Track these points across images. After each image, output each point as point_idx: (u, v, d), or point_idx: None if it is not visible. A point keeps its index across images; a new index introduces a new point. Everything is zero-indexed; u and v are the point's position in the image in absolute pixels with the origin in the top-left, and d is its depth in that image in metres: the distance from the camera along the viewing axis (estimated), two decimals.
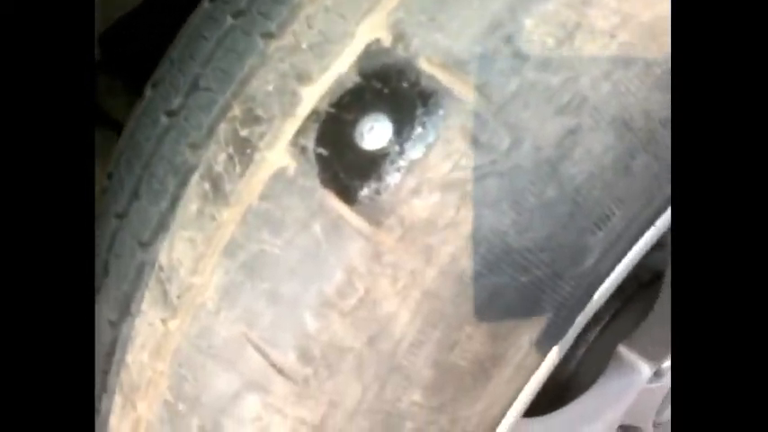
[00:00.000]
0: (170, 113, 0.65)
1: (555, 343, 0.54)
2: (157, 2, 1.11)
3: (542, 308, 0.51)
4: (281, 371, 0.49)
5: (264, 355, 0.50)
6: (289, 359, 0.49)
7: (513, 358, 0.51)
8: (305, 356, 0.49)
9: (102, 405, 0.65)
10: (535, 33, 0.48)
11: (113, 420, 0.62)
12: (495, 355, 0.51)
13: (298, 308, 0.49)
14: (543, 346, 0.53)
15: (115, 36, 1.16)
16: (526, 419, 0.74)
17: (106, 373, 0.65)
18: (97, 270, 0.69)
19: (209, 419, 0.52)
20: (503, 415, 0.55)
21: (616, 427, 0.83)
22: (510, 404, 0.54)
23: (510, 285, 0.49)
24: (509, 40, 0.48)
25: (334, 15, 0.55)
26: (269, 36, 0.59)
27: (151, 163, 0.65)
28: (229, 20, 0.65)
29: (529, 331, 0.51)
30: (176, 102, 0.65)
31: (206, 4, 0.71)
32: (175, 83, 0.67)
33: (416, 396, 0.50)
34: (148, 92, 0.72)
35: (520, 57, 0.47)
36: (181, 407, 0.54)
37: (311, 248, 0.49)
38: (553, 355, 0.54)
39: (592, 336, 0.90)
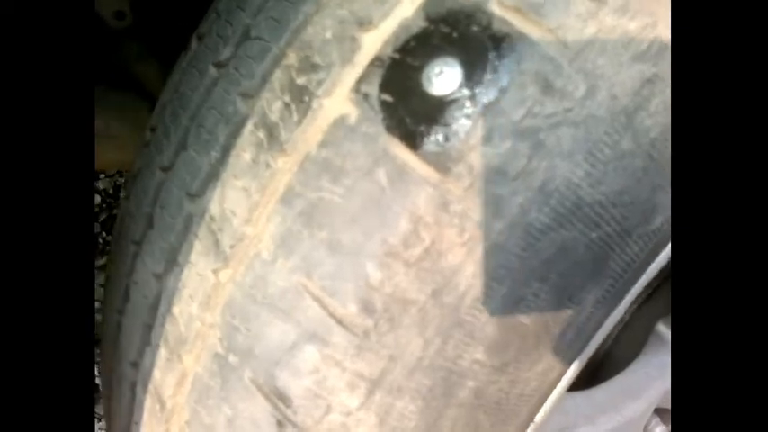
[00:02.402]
0: (219, 64, 0.62)
1: (616, 305, 0.51)
2: None
3: (609, 267, 0.48)
4: (340, 322, 0.47)
5: (324, 306, 0.47)
6: (349, 310, 0.46)
7: (576, 318, 0.49)
8: (366, 308, 0.46)
9: (144, 359, 0.63)
10: None
11: (157, 373, 0.60)
12: (559, 315, 0.48)
13: (360, 257, 0.46)
14: (604, 307, 0.50)
15: (145, 2, 1.13)
16: (569, 393, 0.71)
17: (150, 326, 0.62)
18: (141, 222, 0.67)
19: (263, 371, 0.50)
20: (558, 380, 0.52)
21: (655, 405, 0.80)
22: (567, 369, 0.52)
23: (579, 241, 0.46)
24: None
25: None
26: None
27: (199, 114, 0.62)
28: None
29: (594, 291, 0.48)
30: (225, 52, 0.62)
31: None
32: (224, 34, 0.64)
33: (479, 354, 0.47)
34: (194, 44, 0.69)
35: (597, 0, 0.44)
36: (232, 359, 0.52)
37: (374, 196, 0.46)
38: (613, 318, 0.52)
39: (627, 314, 0.87)
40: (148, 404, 0.61)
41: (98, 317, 1.90)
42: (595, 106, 0.44)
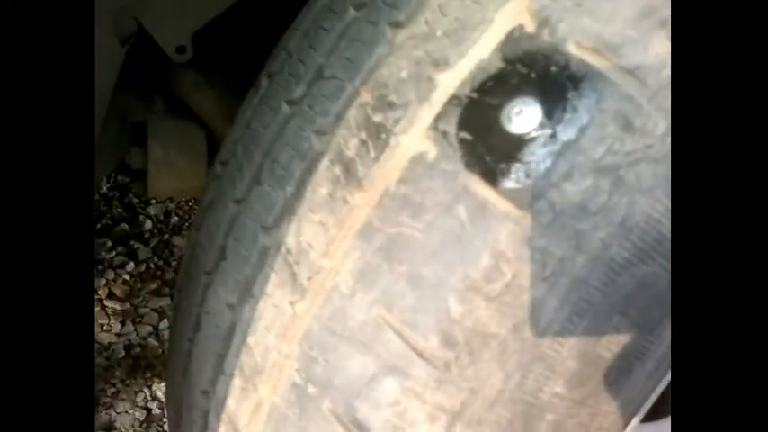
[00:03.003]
0: (292, 102, 0.65)
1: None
2: (246, 6, 1.11)
3: None
4: (421, 355, 0.47)
5: (405, 339, 0.48)
6: (430, 343, 0.47)
7: (655, 352, 0.49)
8: (447, 341, 0.47)
9: (217, 388, 0.64)
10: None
11: (231, 402, 0.61)
12: (639, 348, 0.48)
13: (441, 291, 0.47)
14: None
15: (207, 36, 1.17)
16: (640, 424, 0.70)
17: (223, 356, 0.64)
18: (214, 254, 0.68)
19: (342, 402, 0.51)
20: (636, 412, 0.52)
21: None
22: (645, 401, 0.52)
23: (659, 276, 0.46)
24: (663, 24, 0.45)
25: (470, 2, 0.53)
26: (397, 25, 0.57)
27: (273, 150, 0.64)
28: (352, 12, 0.64)
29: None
30: (298, 91, 0.64)
31: None
32: (296, 72, 0.66)
33: (559, 387, 0.47)
34: (264, 81, 0.72)
35: None
36: (311, 389, 0.53)
37: (455, 231, 0.47)
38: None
39: None
40: None
41: (152, 341, 1.92)
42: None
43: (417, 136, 0.51)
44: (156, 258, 2.08)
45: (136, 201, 2.20)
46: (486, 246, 0.46)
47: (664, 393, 0.82)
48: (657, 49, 0.45)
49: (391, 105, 0.53)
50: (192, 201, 2.29)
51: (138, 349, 1.84)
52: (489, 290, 0.46)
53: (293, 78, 0.66)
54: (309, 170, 0.57)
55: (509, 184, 0.46)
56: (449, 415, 0.48)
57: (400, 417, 0.48)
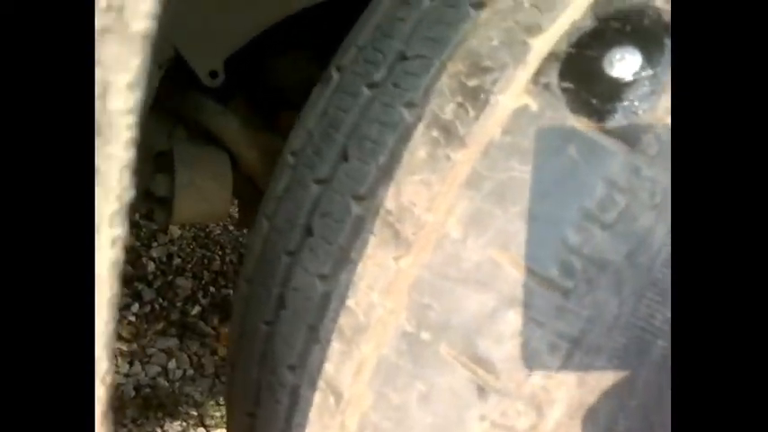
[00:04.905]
0: (372, 85, 0.69)
1: None
2: (276, 33, 1.17)
3: None
4: (541, 285, 0.51)
5: (523, 272, 0.51)
6: (550, 273, 0.51)
7: None
8: (566, 270, 0.50)
9: (309, 359, 0.66)
10: None
11: (329, 368, 0.63)
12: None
13: (558, 224, 0.51)
14: None
15: (237, 63, 1.22)
16: None
17: (315, 326, 0.66)
18: (297, 233, 0.71)
19: (461, 342, 0.53)
20: None
21: None
22: None
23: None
24: None
25: None
26: (480, 5, 0.63)
27: (358, 129, 0.68)
28: (427, 1, 0.70)
29: None
30: (379, 75, 0.69)
31: None
32: (373, 59, 0.71)
33: (669, 313, 0.51)
34: (335, 74, 0.77)
35: None
36: (425, 335, 0.55)
37: (567, 169, 0.51)
38: None
39: None
40: (318, 401, 0.64)
41: (161, 381, 1.88)
42: None
43: (517, 92, 0.55)
44: (160, 299, 2.07)
45: (137, 244, 2.20)
46: (599, 178, 0.50)
47: None
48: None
49: (486, 69, 0.58)
50: (194, 243, 2.30)
51: (147, 389, 1.81)
52: (604, 218, 0.50)
53: (371, 65, 0.71)
54: (404, 138, 0.62)
55: (617, 122, 0.50)
56: (569, 342, 0.51)
57: (522, 347, 0.51)
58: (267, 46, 1.22)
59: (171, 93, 1.21)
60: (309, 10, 1.10)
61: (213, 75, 1.18)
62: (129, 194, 0.37)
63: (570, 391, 0.51)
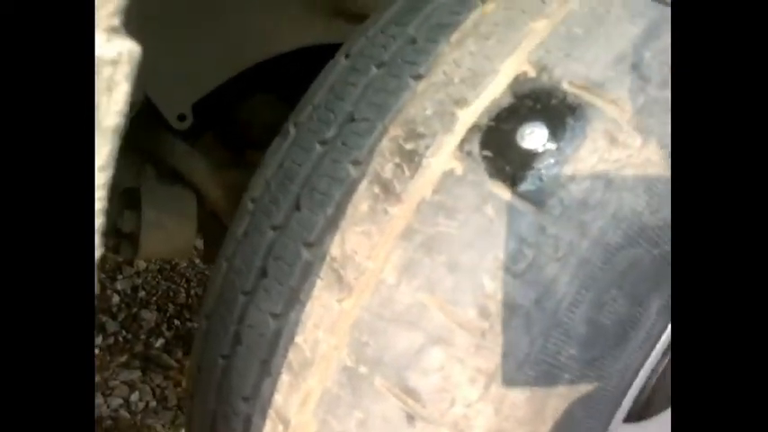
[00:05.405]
0: (324, 142, 0.77)
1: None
2: (243, 79, 1.24)
3: (667, 279, 0.61)
4: (461, 326, 0.58)
5: (447, 314, 0.59)
6: (469, 315, 0.59)
7: (645, 323, 0.61)
8: (483, 313, 0.58)
9: (262, 390, 0.72)
10: (654, 62, 0.61)
11: (278, 398, 0.70)
12: (632, 318, 0.60)
13: (476, 272, 0.59)
14: (666, 315, 0.63)
15: (205, 106, 1.29)
16: (624, 424, 0.82)
17: (267, 360, 0.73)
18: (252, 275, 0.78)
19: (394, 375, 0.61)
20: (633, 380, 0.64)
21: None
22: (638, 371, 0.64)
23: (645, 257, 0.59)
24: (634, 67, 0.61)
25: (480, 57, 0.68)
26: (419, 77, 0.72)
27: (310, 181, 0.76)
28: (374, 69, 0.78)
29: (658, 299, 0.61)
30: (330, 133, 0.77)
31: (343, 61, 0.84)
32: (326, 119, 0.80)
33: (573, 350, 0.59)
34: (292, 129, 0.85)
35: (643, 78, 0.61)
36: (362, 369, 0.62)
37: (485, 226, 0.59)
38: (668, 330, 0.64)
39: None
40: (268, 428, 0.70)
41: (123, 413, 1.90)
42: (650, 153, 0.59)
43: (446, 157, 0.64)
44: (124, 332, 2.09)
45: (102, 276, 2.23)
46: (511, 234, 0.58)
47: (647, 394, 0.94)
48: (630, 85, 0.60)
49: (420, 135, 0.67)
50: (159, 276, 2.33)
51: (109, 422, 1.83)
52: (515, 269, 0.58)
53: (323, 124, 0.79)
54: (349, 192, 0.70)
55: (526, 187, 0.59)
56: (485, 376, 0.58)
57: (445, 380, 0.59)
58: (235, 90, 1.29)
59: (141, 132, 1.26)
60: (276, 58, 1.18)
61: (181, 118, 1.24)
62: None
63: (488, 419, 0.59)
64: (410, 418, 0.60)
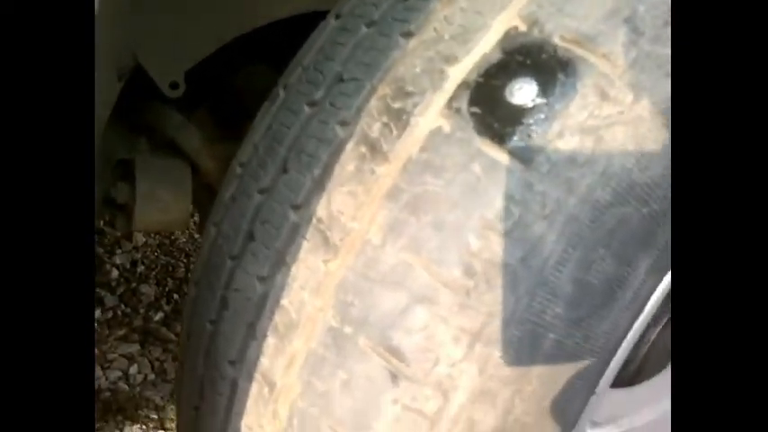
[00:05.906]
0: (312, 104, 0.76)
1: (663, 275, 0.63)
2: (236, 47, 1.22)
3: (656, 239, 0.60)
4: (446, 285, 0.58)
5: (431, 273, 0.58)
6: (454, 274, 0.58)
7: (632, 283, 0.60)
8: (468, 271, 0.57)
9: (248, 353, 0.72)
10: (647, 16, 0.59)
11: (264, 361, 0.69)
12: (620, 278, 0.59)
13: (462, 231, 0.58)
14: (654, 276, 0.62)
15: (199, 75, 1.27)
16: (614, 389, 0.81)
17: (254, 323, 0.72)
18: (240, 238, 0.77)
19: (378, 334, 0.60)
20: (621, 341, 0.63)
21: None
22: (626, 333, 0.63)
23: (633, 215, 0.58)
24: (627, 20, 0.59)
25: (471, 13, 0.67)
26: (409, 35, 0.70)
27: (297, 143, 0.74)
28: (364, 28, 0.77)
29: (646, 259, 0.60)
30: (318, 94, 0.76)
31: (333, 22, 0.83)
32: (314, 80, 0.78)
33: (559, 309, 0.58)
34: (281, 92, 0.83)
35: (636, 32, 0.59)
36: (347, 329, 0.62)
37: (472, 183, 0.58)
38: (661, 288, 0.63)
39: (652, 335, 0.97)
40: (254, 391, 0.70)
41: (122, 385, 1.91)
42: (641, 110, 0.58)
43: (434, 115, 0.63)
44: (123, 306, 2.10)
45: (101, 251, 2.24)
46: (499, 192, 0.57)
47: (637, 361, 0.93)
48: (623, 39, 0.59)
49: (409, 94, 0.66)
50: (158, 250, 2.33)
51: (107, 393, 1.84)
52: (502, 227, 0.57)
53: (312, 85, 0.78)
54: (336, 152, 0.68)
55: (514, 143, 0.58)
56: (469, 335, 0.57)
57: (429, 339, 0.58)
58: (229, 58, 1.27)
59: (135, 104, 1.25)
60: (270, 26, 1.16)
61: (174, 86, 1.22)
62: None
63: (472, 379, 0.58)
64: (394, 377, 0.59)
